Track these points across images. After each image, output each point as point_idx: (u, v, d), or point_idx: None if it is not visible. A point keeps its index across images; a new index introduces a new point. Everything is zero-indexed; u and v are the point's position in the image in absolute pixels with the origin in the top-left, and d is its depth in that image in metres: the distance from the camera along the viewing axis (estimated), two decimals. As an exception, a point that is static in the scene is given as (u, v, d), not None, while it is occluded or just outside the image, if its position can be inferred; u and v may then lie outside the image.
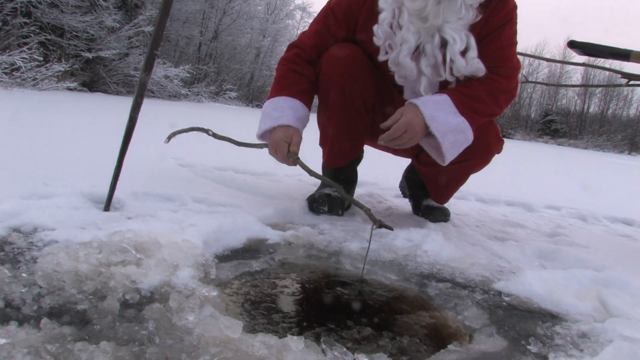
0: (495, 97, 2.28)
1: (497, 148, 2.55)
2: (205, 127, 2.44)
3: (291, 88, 2.36)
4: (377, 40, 2.28)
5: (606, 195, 5.80)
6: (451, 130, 2.19)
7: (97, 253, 1.44)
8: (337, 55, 2.41)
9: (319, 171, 2.51)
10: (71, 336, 1.04)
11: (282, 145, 2.20)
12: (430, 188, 2.78)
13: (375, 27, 2.28)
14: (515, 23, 2.34)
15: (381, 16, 2.27)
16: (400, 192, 3.32)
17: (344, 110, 2.44)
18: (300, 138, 2.25)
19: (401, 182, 3.14)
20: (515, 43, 2.37)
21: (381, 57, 2.32)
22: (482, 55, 2.23)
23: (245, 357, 1.04)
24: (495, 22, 2.26)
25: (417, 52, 2.27)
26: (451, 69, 2.23)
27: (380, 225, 1.72)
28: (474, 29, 2.23)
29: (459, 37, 2.18)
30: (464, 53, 2.21)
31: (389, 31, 2.26)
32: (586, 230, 3.14)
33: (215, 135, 2.43)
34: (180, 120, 8.58)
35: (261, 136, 2.37)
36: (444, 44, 2.22)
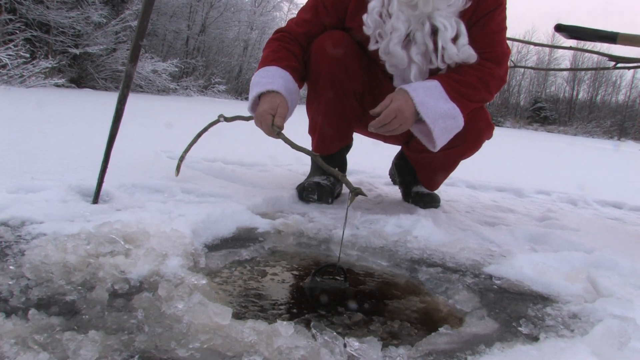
0: (486, 82, 2.28)
1: (488, 134, 2.55)
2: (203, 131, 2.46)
3: (282, 61, 2.31)
4: (367, 30, 2.27)
5: (595, 179, 5.83)
6: (442, 116, 2.18)
7: (86, 244, 1.43)
8: (326, 42, 2.39)
9: (308, 160, 2.51)
10: (59, 326, 1.03)
11: (267, 117, 2.08)
12: (420, 175, 2.78)
13: (364, 16, 2.27)
14: (505, 9, 2.33)
15: (370, 5, 2.25)
16: (390, 180, 3.32)
17: (333, 97, 2.43)
18: (287, 109, 2.16)
19: (391, 169, 3.14)
20: (504, 29, 2.36)
21: (371, 46, 2.31)
22: (472, 41, 2.22)
23: (235, 343, 1.03)
24: (485, 8, 2.25)
25: (407, 40, 2.26)
26: (442, 56, 2.22)
27: (357, 192, 1.68)
28: (463, 15, 2.23)
29: (450, 24, 2.17)
30: (454, 40, 2.20)
31: (379, 20, 2.25)
32: (576, 214, 3.15)
33: (227, 119, 2.44)
34: (170, 115, 8.56)
35: (252, 108, 2.29)
36: (434, 31, 2.21)
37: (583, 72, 54.66)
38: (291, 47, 2.39)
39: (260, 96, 2.21)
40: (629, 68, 3.02)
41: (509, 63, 2.45)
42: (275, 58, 2.31)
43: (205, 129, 2.67)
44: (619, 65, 2.97)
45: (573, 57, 51.87)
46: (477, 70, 2.26)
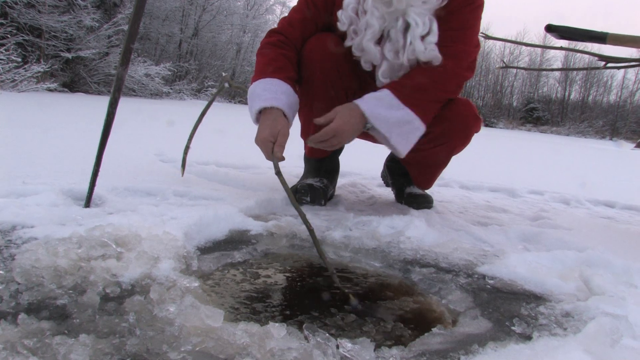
0: (440, 82, 2.28)
1: (476, 127, 2.56)
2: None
3: (282, 72, 2.27)
4: (341, 26, 2.27)
5: (588, 178, 5.84)
6: (396, 124, 2.20)
7: (77, 248, 1.43)
8: (317, 47, 2.39)
9: (301, 163, 2.50)
10: (50, 331, 1.03)
11: (267, 145, 2.04)
12: (412, 174, 2.78)
13: (339, 13, 2.28)
14: (478, 7, 2.32)
15: (345, 1, 2.27)
16: (382, 182, 3.32)
17: (326, 100, 2.42)
18: (287, 136, 2.10)
19: (383, 171, 3.13)
20: (470, 27, 2.34)
21: (347, 43, 2.32)
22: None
23: (227, 346, 1.03)
24: (455, 5, 2.25)
25: (383, 37, 2.27)
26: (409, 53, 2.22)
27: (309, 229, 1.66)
28: (438, 14, 2.22)
29: (422, 21, 2.17)
30: (424, 37, 2.19)
31: (354, 16, 2.26)
32: (569, 213, 3.16)
33: (231, 84, 2.44)
34: (163, 118, 8.54)
35: (255, 120, 2.24)
36: (407, 27, 2.21)
37: (575, 73, 54.88)
38: (288, 54, 2.36)
39: (262, 109, 2.17)
40: (618, 68, 3.04)
41: (500, 64, 2.46)
42: (276, 68, 2.27)
43: (210, 103, 2.67)
44: (609, 65, 2.98)
45: (565, 58, 52.09)
46: (429, 71, 2.25)
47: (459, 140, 2.52)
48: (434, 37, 2.19)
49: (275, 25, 2.50)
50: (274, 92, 2.17)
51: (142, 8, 1.99)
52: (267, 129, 2.06)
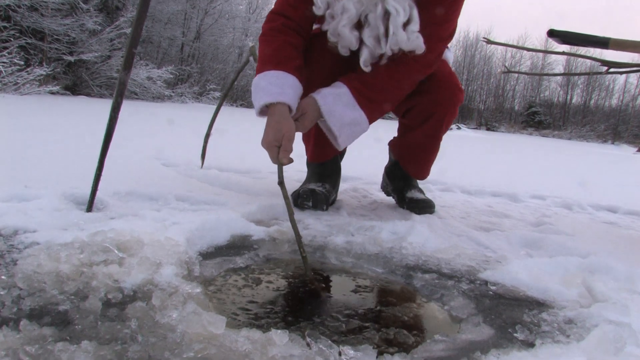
0: (402, 81, 2.30)
1: (460, 98, 2.61)
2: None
3: (288, 63, 2.20)
4: (317, 10, 2.19)
5: (590, 182, 5.84)
6: (348, 124, 2.24)
7: (79, 253, 1.43)
8: (316, 53, 2.39)
9: (303, 167, 2.50)
10: (52, 337, 1.02)
11: (273, 149, 2.01)
12: (407, 166, 2.83)
13: None
14: (455, 4, 2.27)
15: None
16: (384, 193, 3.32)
17: None
18: (292, 139, 2.04)
19: (382, 182, 3.11)
20: (440, 23, 2.27)
21: (323, 27, 2.25)
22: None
23: (229, 353, 1.03)
24: None
25: (361, 23, 2.21)
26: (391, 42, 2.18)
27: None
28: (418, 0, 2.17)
29: (402, 8, 2.10)
30: (405, 26, 2.14)
31: (331, 0, 2.18)
32: (571, 219, 3.15)
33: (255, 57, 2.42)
34: (165, 122, 8.55)
35: (260, 113, 2.20)
36: (387, 14, 2.15)
37: (577, 77, 54.88)
38: (294, 40, 2.28)
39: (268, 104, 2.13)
40: (621, 73, 3.03)
41: (502, 68, 2.46)
42: (281, 59, 2.20)
43: (233, 80, 2.67)
44: (612, 70, 2.98)
45: (567, 62, 52.12)
46: (392, 69, 2.25)
47: (447, 109, 2.56)
48: (415, 26, 2.14)
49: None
50: (279, 85, 2.12)
51: (145, 14, 1.99)
52: (272, 132, 2.03)
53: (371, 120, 2.31)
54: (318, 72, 2.39)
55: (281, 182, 1.87)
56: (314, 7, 2.19)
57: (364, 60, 2.23)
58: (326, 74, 2.40)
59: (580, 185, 4.40)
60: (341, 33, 2.18)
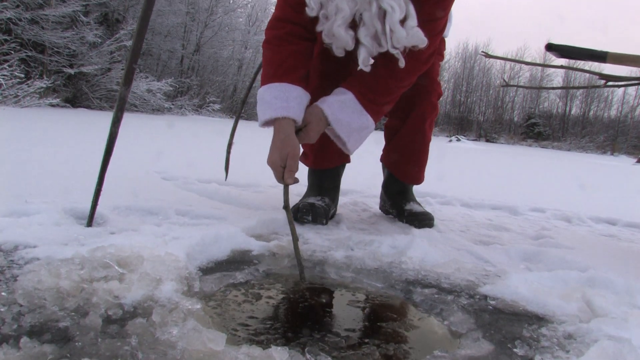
0: (402, 80, 2.31)
1: (436, 89, 2.71)
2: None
3: (292, 73, 2.19)
4: (310, 11, 2.14)
5: (590, 195, 5.84)
6: (356, 130, 2.26)
7: (79, 269, 1.43)
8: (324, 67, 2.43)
9: (303, 181, 2.51)
10: (52, 354, 1.03)
11: (278, 169, 2.04)
12: (400, 170, 2.89)
13: None
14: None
15: None
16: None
17: None
18: (297, 158, 2.06)
19: (380, 202, 3.10)
20: (435, 19, 2.25)
21: (318, 28, 2.20)
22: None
23: (229, 370, 1.03)
24: None
25: (356, 23, 2.18)
26: (392, 39, 2.14)
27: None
28: None
29: (398, 5, 2.07)
30: (403, 22, 2.11)
31: (324, 0, 2.13)
32: (570, 232, 3.16)
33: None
34: (164, 135, 8.57)
35: (264, 124, 2.19)
36: (382, 12, 2.11)
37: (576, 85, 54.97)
38: (299, 48, 2.26)
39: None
40: (618, 86, 3.05)
41: (501, 81, 2.48)
42: (286, 70, 2.20)
43: (254, 76, 2.68)
44: (610, 83, 2.99)
45: (565, 75, 52.32)
46: (391, 71, 2.25)
47: (424, 100, 2.66)
48: (413, 21, 2.10)
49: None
50: (284, 99, 2.12)
51: (145, 29, 2.00)
52: (277, 152, 2.04)
53: (376, 121, 2.33)
54: (310, 75, 2.36)
55: (286, 207, 1.89)
56: (306, 9, 2.15)
57: (363, 60, 2.19)
58: (318, 76, 2.47)
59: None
60: (336, 33, 2.15)
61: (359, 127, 2.25)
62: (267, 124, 2.17)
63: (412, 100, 2.61)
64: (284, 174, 2.02)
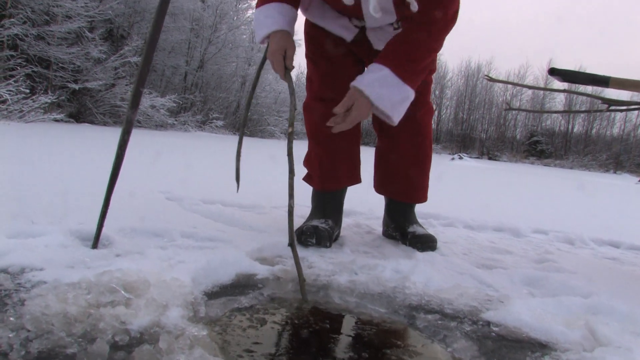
0: (432, 41, 2.31)
1: (430, 114, 2.83)
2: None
3: None
4: None
5: (594, 216, 5.84)
6: (399, 102, 2.28)
7: (86, 294, 1.44)
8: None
9: (306, 203, 2.52)
10: (60, 382, 1.04)
11: (278, 57, 2.29)
12: (399, 191, 2.91)
13: None
14: None
15: None
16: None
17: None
18: (294, 49, 2.33)
19: (383, 227, 3.10)
20: None
21: None
22: None
23: (236, 400, 1.04)
24: None
25: None
26: None
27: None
28: None
29: None
30: None
31: None
32: (573, 255, 3.16)
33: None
34: (168, 152, 8.59)
35: (261, 41, 2.44)
36: None
37: (578, 106, 55.10)
38: None
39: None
40: (621, 110, 3.07)
41: (503, 97, 2.54)
42: None
43: (257, 76, 2.74)
44: (612, 107, 3.01)
45: (568, 95, 52.45)
46: (421, 32, 2.26)
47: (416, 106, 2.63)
48: None
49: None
50: (272, 16, 2.36)
51: (152, 52, 2.03)
52: (275, 44, 2.31)
53: (415, 88, 2.34)
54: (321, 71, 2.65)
55: (292, 244, 1.91)
56: None
57: (373, 7, 2.27)
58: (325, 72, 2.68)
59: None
60: None
61: (401, 99, 2.28)
62: (263, 42, 2.43)
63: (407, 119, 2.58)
64: (284, 62, 2.29)
